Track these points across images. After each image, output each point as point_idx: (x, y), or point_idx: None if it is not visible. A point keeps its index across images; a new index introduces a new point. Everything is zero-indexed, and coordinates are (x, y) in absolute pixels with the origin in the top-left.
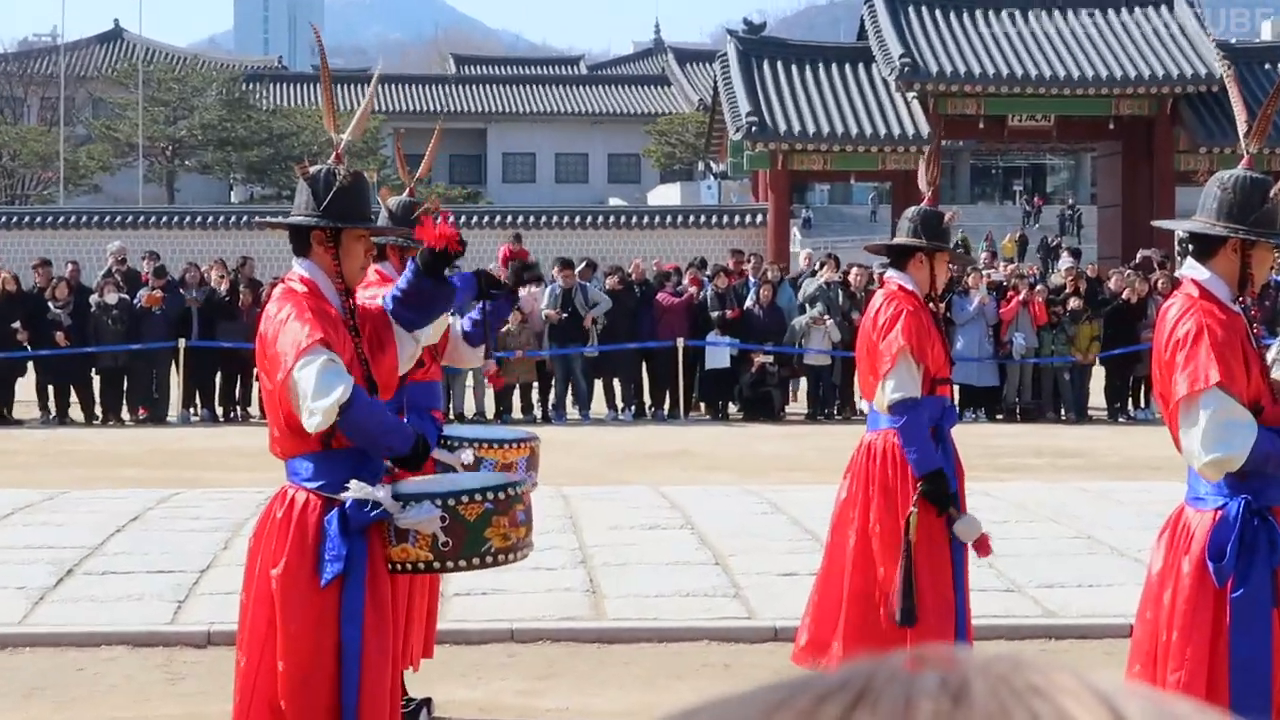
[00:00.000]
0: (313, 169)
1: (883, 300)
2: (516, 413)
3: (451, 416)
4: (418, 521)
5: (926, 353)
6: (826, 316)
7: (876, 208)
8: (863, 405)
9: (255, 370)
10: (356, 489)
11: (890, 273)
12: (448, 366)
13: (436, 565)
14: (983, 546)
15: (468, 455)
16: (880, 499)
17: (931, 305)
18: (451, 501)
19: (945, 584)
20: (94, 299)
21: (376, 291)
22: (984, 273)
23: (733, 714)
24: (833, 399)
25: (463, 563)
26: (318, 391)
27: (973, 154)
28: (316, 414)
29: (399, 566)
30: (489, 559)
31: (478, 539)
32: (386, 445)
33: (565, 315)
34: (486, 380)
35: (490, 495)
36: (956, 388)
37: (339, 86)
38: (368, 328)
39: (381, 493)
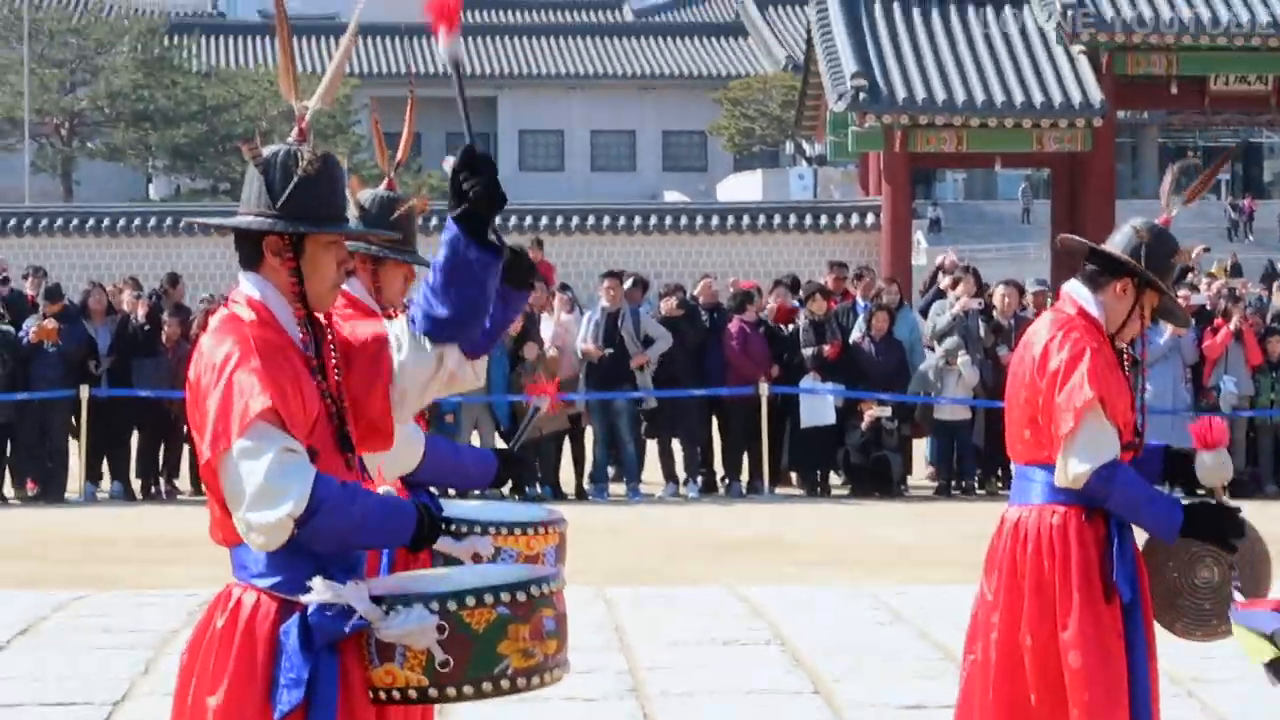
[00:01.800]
0: (266, 151)
1: (1054, 329)
2: (533, 483)
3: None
4: (406, 633)
5: (1115, 407)
6: (962, 353)
7: (1030, 204)
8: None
9: (185, 428)
10: (321, 589)
11: (1074, 287)
12: (442, 401)
13: (433, 693)
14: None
15: (485, 545)
16: (1033, 601)
17: (1113, 344)
18: (453, 605)
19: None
20: None
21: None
22: (1181, 294)
23: None
24: (972, 466)
25: (468, 689)
26: (259, 500)
27: (1162, 129)
28: (258, 532)
29: (383, 695)
30: (505, 684)
31: (489, 656)
32: (372, 544)
33: (609, 352)
34: (533, 402)
35: (505, 597)
36: None
37: (299, 40)
38: (349, 363)
39: (355, 594)
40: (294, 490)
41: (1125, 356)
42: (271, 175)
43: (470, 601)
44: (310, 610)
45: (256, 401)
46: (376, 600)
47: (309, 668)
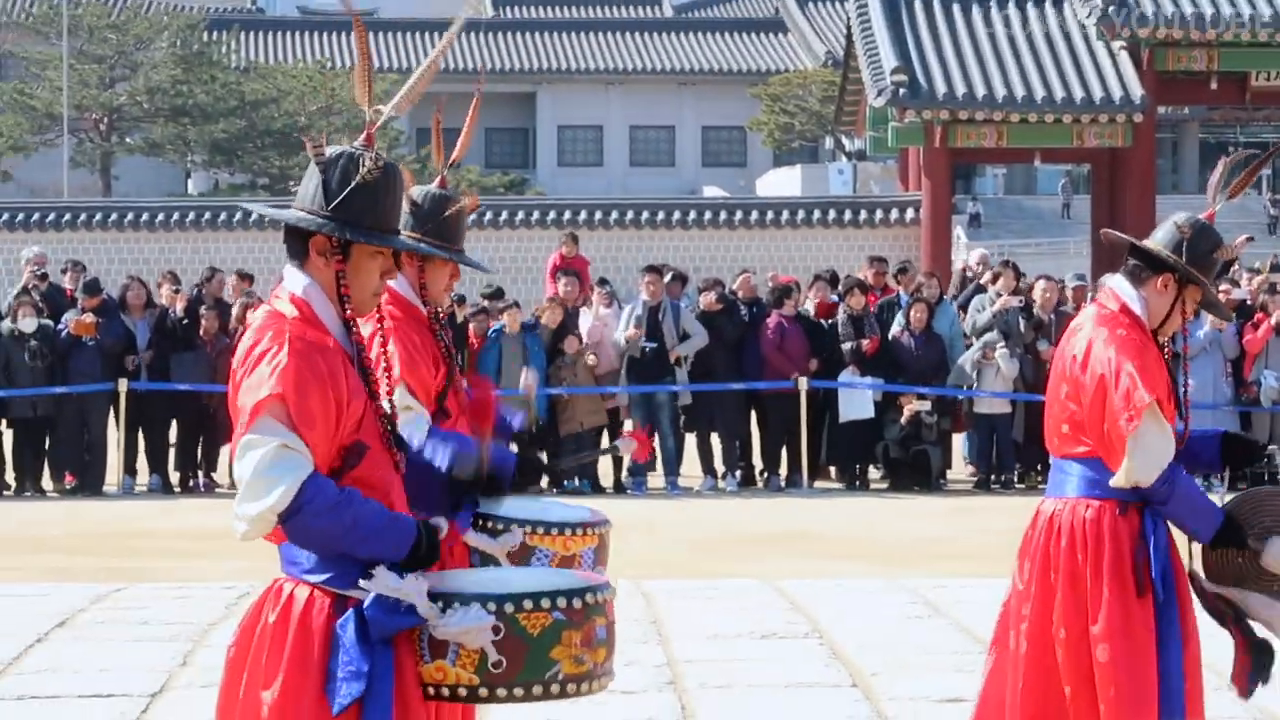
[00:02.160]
0: (330, 150)
1: (1097, 326)
2: (571, 477)
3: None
4: (462, 631)
5: (1161, 403)
6: (1000, 345)
7: (1070, 199)
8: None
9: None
10: (380, 581)
11: (1116, 282)
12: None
13: (483, 693)
14: None
15: (514, 538)
16: (1067, 593)
17: (1155, 340)
18: (510, 607)
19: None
20: (4, 325)
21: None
22: (1221, 288)
23: None
24: (1011, 461)
25: (519, 691)
26: (248, 492)
27: (1202, 125)
28: (241, 522)
29: (431, 691)
30: (554, 689)
31: (541, 660)
32: (364, 553)
33: (653, 346)
34: (621, 445)
35: (562, 603)
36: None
37: (338, 35)
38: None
39: (414, 588)
40: (280, 485)
41: (1166, 351)
42: (330, 176)
43: (527, 605)
44: (366, 604)
45: (265, 392)
46: (433, 597)
47: (367, 661)
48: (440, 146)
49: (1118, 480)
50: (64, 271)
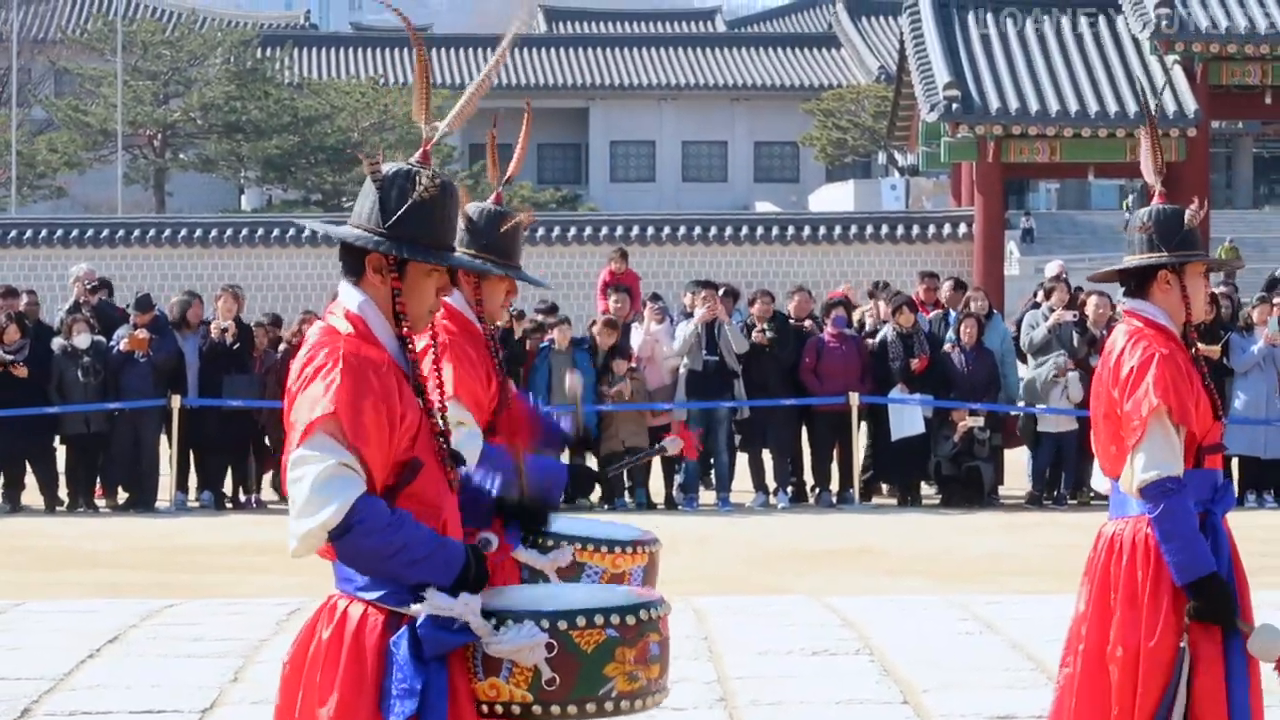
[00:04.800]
0: (386, 168)
1: (1125, 340)
2: (622, 492)
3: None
4: (516, 649)
5: (1189, 411)
6: (1070, 367)
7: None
8: (1100, 484)
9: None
10: (434, 600)
11: (1129, 303)
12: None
13: (537, 710)
14: None
15: (564, 554)
16: (1125, 612)
17: (1192, 347)
18: (563, 625)
19: None
20: (57, 342)
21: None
22: (1274, 302)
23: None
24: (1069, 476)
25: (572, 708)
26: (302, 509)
27: (1257, 140)
28: (292, 538)
29: (484, 708)
30: (608, 705)
31: (595, 677)
32: (413, 576)
33: (715, 359)
34: (666, 444)
35: (615, 620)
36: (1235, 460)
37: (394, 52)
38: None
39: (467, 607)
40: (333, 503)
41: (1197, 355)
42: (387, 193)
43: (580, 622)
44: (419, 621)
45: (319, 410)
46: (486, 614)
47: (421, 679)
48: (495, 162)
49: (1122, 484)
50: (93, 290)
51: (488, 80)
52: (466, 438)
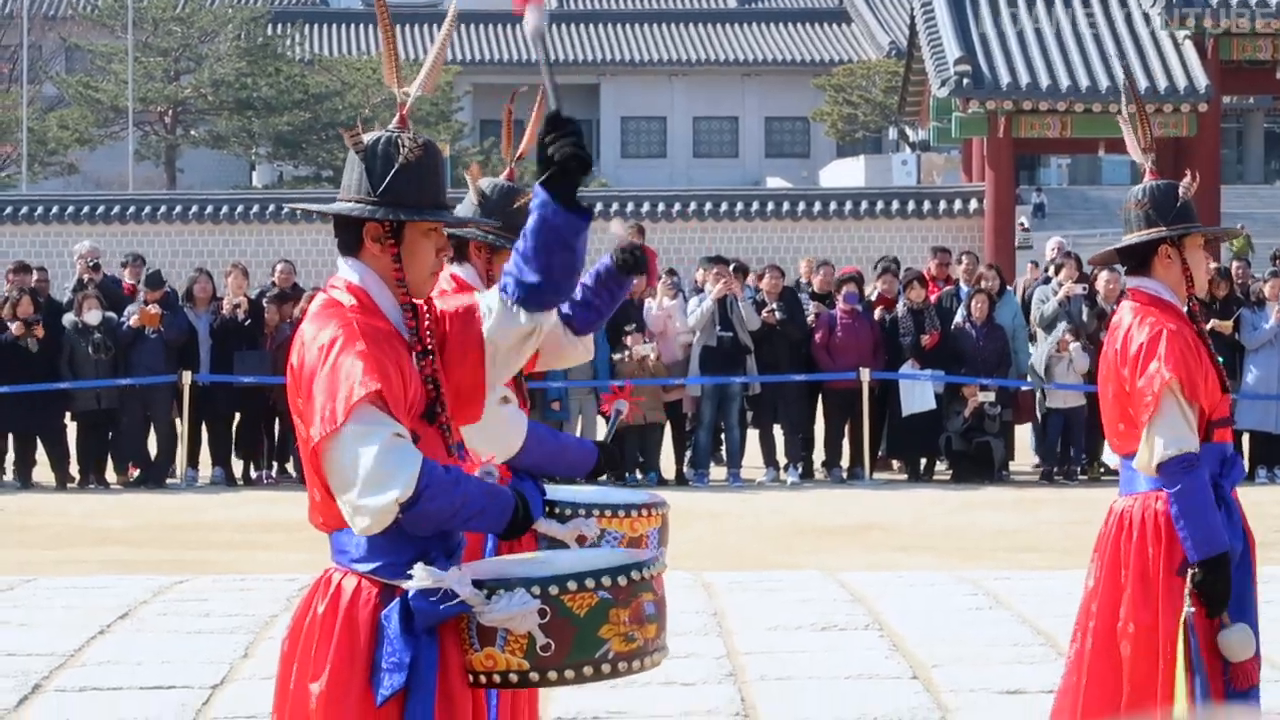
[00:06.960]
0: (367, 137)
1: (1132, 317)
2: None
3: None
4: (508, 617)
5: (1198, 386)
6: (1069, 338)
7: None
8: (1110, 459)
9: (290, 414)
10: (422, 575)
11: (1132, 281)
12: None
13: (534, 677)
14: (1243, 675)
15: (590, 527)
16: (1135, 589)
17: (1196, 320)
18: (554, 590)
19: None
20: (68, 319)
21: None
22: None
23: None
24: (1078, 451)
25: (570, 673)
26: (369, 485)
27: (1268, 115)
28: (364, 515)
29: (483, 678)
30: (605, 668)
31: (590, 641)
32: (470, 529)
33: (729, 335)
34: (613, 410)
35: (606, 581)
36: (1246, 436)
37: (403, 27)
38: (444, 338)
39: (457, 579)
40: (402, 475)
41: (1202, 330)
42: (372, 162)
43: (571, 586)
44: (411, 594)
45: (363, 385)
46: (478, 584)
47: (411, 652)
48: (510, 138)
49: (1137, 461)
50: (124, 265)
51: (444, 47)
52: (512, 418)
